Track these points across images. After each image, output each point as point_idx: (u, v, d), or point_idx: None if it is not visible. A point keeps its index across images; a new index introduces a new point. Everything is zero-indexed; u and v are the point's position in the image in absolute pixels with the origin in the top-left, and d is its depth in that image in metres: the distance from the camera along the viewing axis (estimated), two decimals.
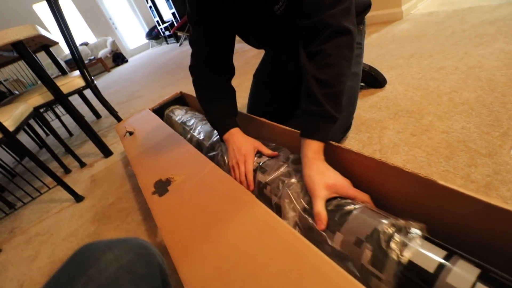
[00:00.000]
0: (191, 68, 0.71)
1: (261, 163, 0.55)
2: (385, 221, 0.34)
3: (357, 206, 0.39)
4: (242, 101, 1.38)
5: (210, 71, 0.69)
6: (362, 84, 0.98)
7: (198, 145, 0.78)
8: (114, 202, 0.93)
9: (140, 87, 2.73)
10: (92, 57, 5.62)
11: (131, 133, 0.92)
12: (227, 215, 0.42)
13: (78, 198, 1.04)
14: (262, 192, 0.52)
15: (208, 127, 0.80)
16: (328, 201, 0.42)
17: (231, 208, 0.43)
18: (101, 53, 5.80)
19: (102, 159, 1.33)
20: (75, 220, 0.92)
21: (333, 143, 0.50)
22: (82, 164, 1.35)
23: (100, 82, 4.36)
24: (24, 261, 0.82)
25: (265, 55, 0.96)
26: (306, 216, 0.42)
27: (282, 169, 0.51)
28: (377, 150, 0.67)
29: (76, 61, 1.35)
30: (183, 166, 0.59)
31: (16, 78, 3.28)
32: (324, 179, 0.44)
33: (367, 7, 0.75)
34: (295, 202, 0.45)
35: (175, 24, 5.33)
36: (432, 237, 0.32)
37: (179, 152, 0.67)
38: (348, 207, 0.39)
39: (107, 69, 5.67)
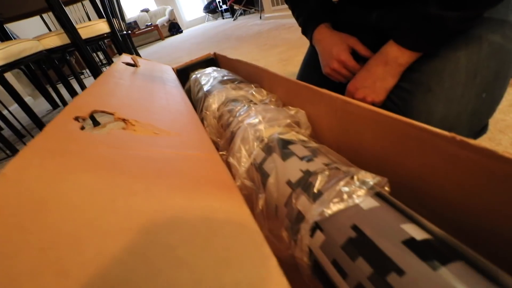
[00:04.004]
0: None
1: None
2: None
3: None
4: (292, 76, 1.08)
5: None
6: None
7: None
8: None
9: (183, 54, 2.56)
10: (150, 24, 5.70)
11: (132, 65, 0.68)
12: None
13: None
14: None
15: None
16: None
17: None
18: (158, 21, 5.85)
19: None
20: None
21: None
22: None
23: (151, 49, 4.38)
24: None
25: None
26: None
27: None
28: None
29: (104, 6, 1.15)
30: (162, 121, 0.32)
31: None
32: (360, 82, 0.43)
33: None
34: None
35: None
36: None
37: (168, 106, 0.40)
38: None
39: (162, 38, 5.71)
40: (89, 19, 1.97)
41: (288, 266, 0.24)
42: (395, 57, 0.40)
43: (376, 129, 0.28)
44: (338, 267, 0.19)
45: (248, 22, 3.59)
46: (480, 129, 0.40)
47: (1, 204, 0.12)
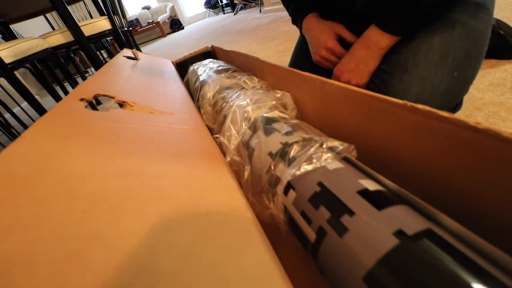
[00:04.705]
0: None
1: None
2: None
3: None
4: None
5: None
6: None
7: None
8: None
9: (184, 49, 2.59)
10: (151, 21, 5.73)
11: (132, 59, 0.72)
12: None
13: None
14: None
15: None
16: None
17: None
18: (160, 18, 5.88)
19: None
20: None
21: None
22: None
23: (153, 46, 4.41)
24: None
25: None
26: None
27: None
28: None
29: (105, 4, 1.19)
30: (158, 104, 0.36)
31: None
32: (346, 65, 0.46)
33: None
34: None
35: None
36: None
37: (166, 94, 0.43)
38: None
39: (164, 35, 5.74)
40: (91, 18, 2.01)
41: (269, 225, 0.28)
42: (376, 41, 0.43)
43: (349, 105, 0.32)
44: (305, 216, 0.23)
45: (248, 16, 3.59)
46: (454, 106, 0.43)
47: (22, 155, 0.16)
